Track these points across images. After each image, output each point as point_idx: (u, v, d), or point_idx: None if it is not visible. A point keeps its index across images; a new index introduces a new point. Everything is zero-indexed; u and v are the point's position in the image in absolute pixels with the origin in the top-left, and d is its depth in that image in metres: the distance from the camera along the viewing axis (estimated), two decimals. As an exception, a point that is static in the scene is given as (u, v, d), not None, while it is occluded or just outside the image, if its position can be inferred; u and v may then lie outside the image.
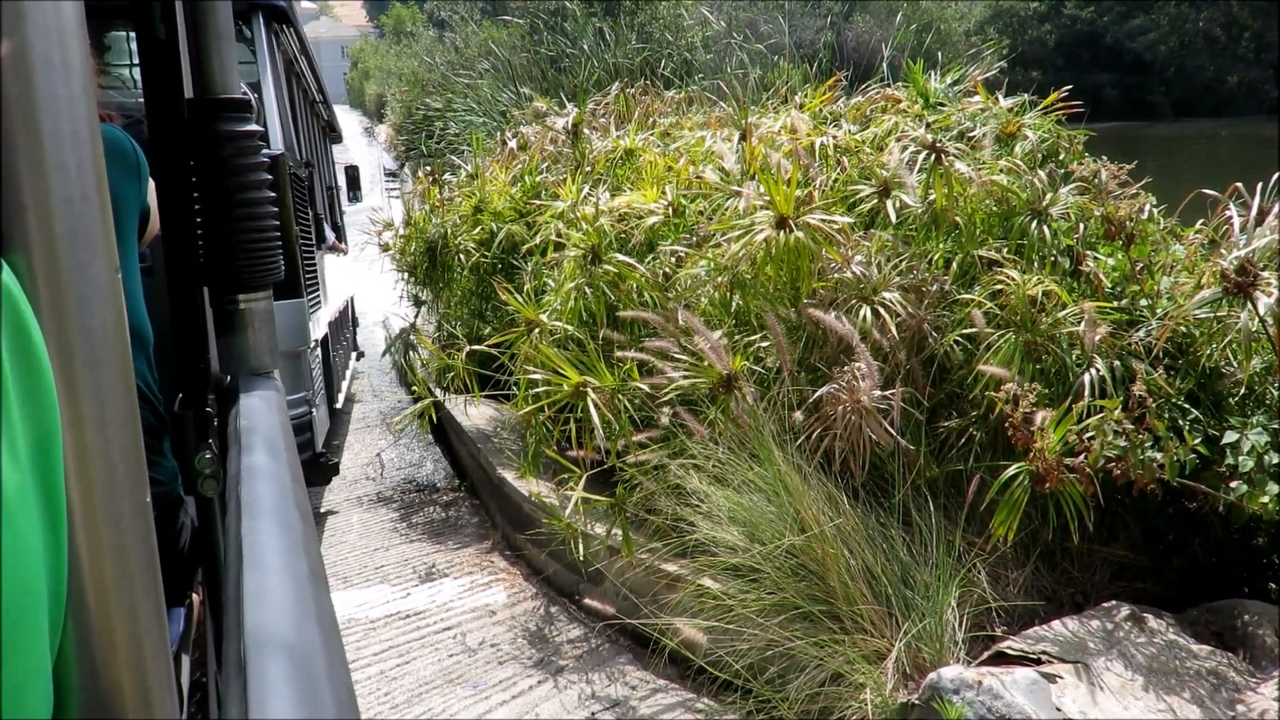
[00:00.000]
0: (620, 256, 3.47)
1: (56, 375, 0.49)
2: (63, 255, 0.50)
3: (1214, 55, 40.64)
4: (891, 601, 2.43)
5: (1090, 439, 2.39)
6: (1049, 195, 3.10)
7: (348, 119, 31.52)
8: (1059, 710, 2.09)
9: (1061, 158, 3.64)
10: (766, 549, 2.51)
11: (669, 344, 2.91)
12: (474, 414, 5.03)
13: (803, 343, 3.02)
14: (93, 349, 0.52)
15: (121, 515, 0.54)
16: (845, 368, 2.66)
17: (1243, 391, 2.61)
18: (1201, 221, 3.10)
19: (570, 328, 3.42)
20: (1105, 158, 3.53)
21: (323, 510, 4.94)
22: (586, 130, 5.07)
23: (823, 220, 2.90)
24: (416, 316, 6.25)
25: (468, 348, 3.95)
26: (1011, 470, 2.43)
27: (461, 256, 4.91)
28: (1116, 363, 2.63)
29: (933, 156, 3.14)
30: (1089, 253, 3.04)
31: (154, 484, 1.39)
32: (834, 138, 3.70)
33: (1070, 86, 4.04)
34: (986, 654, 2.37)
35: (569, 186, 4.09)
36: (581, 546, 3.08)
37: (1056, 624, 2.43)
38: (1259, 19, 39.14)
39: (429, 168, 7.18)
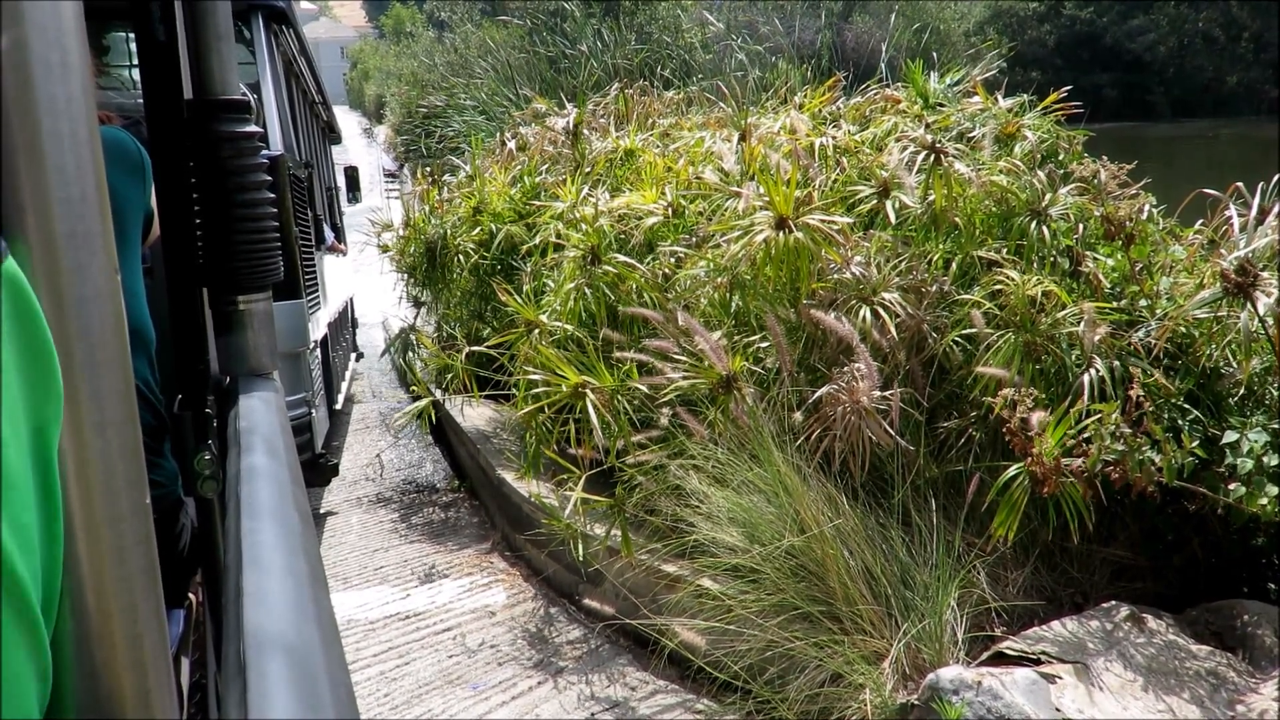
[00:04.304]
0: (620, 257, 3.47)
1: None
2: (62, 256, 0.50)
3: (1213, 55, 40.67)
4: (891, 602, 2.43)
5: (1088, 442, 2.39)
6: (1048, 196, 3.10)
7: (347, 120, 31.51)
8: (1058, 710, 2.09)
9: (1061, 158, 3.64)
10: (766, 549, 2.51)
11: (669, 344, 2.91)
12: (473, 414, 5.03)
13: (802, 343, 3.02)
14: (92, 350, 0.52)
15: (121, 517, 0.53)
16: (845, 368, 2.66)
17: (1242, 392, 2.61)
18: (1201, 222, 3.10)
19: (570, 328, 3.42)
20: (1105, 158, 3.53)
21: (322, 511, 4.94)
22: (586, 131, 5.06)
23: (822, 221, 2.90)
24: (416, 317, 6.24)
25: (467, 348, 3.95)
26: (1011, 471, 2.43)
27: (461, 257, 4.91)
28: (1116, 363, 2.63)
29: (932, 157, 3.14)
30: (1088, 253, 3.04)
31: (154, 486, 1.39)
32: (833, 138, 3.70)
33: (1069, 87, 4.04)
34: (986, 654, 2.37)
35: (568, 187, 4.09)
36: (581, 547, 3.08)
37: (1056, 624, 2.43)
38: (1258, 19, 39.18)
39: (428, 168, 7.17)
